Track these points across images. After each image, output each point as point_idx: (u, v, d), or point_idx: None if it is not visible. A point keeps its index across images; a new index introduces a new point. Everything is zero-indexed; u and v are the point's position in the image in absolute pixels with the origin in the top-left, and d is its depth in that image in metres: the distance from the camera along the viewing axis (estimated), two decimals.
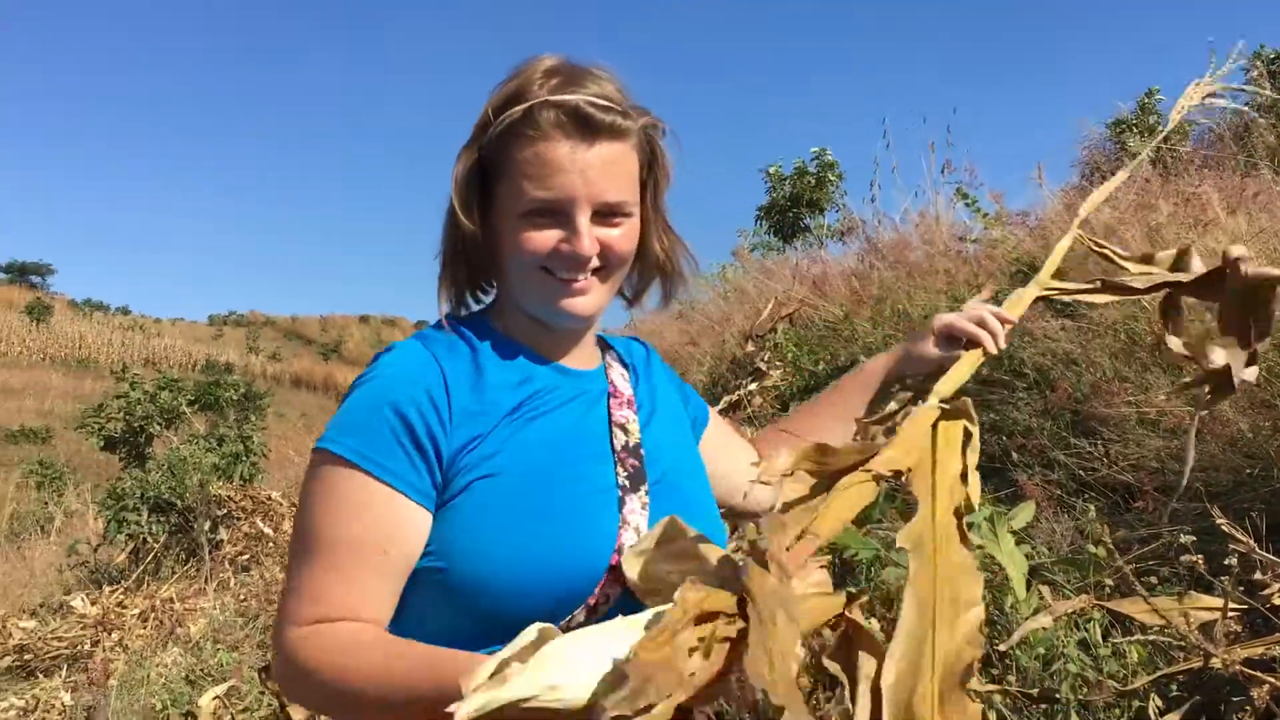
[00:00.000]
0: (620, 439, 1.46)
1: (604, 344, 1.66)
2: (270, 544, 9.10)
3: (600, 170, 1.40)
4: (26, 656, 7.54)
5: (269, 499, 10.14)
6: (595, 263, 1.44)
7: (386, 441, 1.34)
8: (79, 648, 7.33)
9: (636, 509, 1.38)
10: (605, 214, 1.43)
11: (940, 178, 7.73)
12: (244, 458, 11.41)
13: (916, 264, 6.51)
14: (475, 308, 1.59)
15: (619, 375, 1.59)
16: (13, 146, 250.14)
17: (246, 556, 9.08)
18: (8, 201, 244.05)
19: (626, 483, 1.41)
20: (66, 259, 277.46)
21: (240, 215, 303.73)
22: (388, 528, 1.33)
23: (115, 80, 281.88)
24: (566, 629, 1.28)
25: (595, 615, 1.32)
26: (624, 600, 1.33)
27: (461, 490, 1.34)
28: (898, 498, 4.75)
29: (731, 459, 1.72)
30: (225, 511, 9.84)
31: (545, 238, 1.41)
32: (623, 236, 1.45)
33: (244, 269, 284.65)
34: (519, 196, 1.41)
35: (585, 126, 1.40)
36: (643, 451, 1.46)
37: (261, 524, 9.50)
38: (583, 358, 1.56)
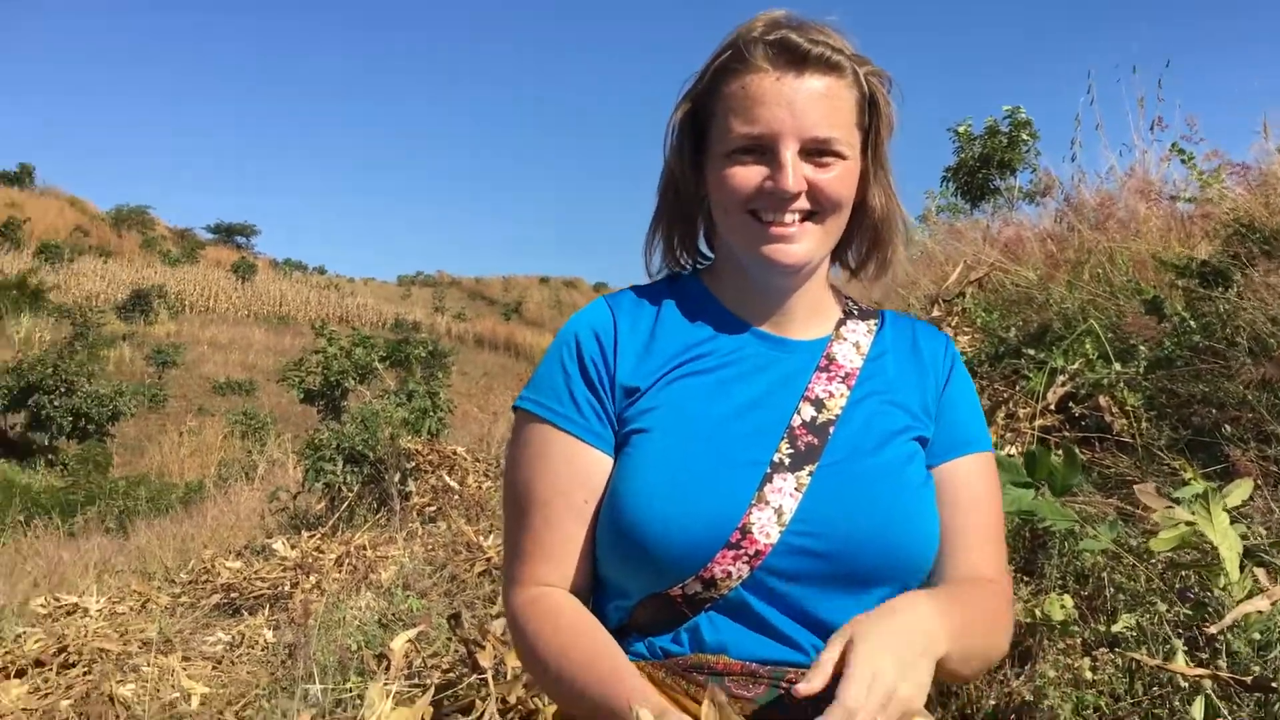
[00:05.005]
0: (806, 414, 1.38)
1: (866, 315, 1.53)
2: (456, 497, 9.37)
3: (809, 102, 1.34)
4: (233, 595, 8.00)
5: (454, 454, 10.42)
6: (804, 204, 1.36)
7: (561, 391, 1.40)
8: (279, 588, 7.71)
9: (787, 489, 1.31)
10: (815, 151, 1.35)
11: (1150, 134, 7.29)
12: (431, 413, 11.75)
13: (1122, 224, 6.18)
14: (701, 265, 1.57)
15: (850, 349, 1.47)
16: (222, 116, 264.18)
17: (433, 508, 9.37)
18: (218, 165, 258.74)
19: (785, 460, 1.33)
20: (269, 221, 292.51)
21: (430, 179, 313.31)
22: (574, 475, 1.38)
23: (310, 52, 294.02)
24: (681, 597, 1.31)
25: (716, 590, 1.30)
26: (751, 582, 1.30)
27: (625, 442, 1.37)
28: (1094, 471, 4.55)
29: (948, 518, 1.43)
30: (413, 464, 10.16)
31: (749, 175, 1.35)
32: (835, 179, 1.36)
33: (432, 231, 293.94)
34: (726, 135, 1.37)
35: (793, 56, 1.34)
36: (832, 430, 1.37)
37: (447, 477, 9.79)
38: (801, 324, 1.47)
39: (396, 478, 9.96)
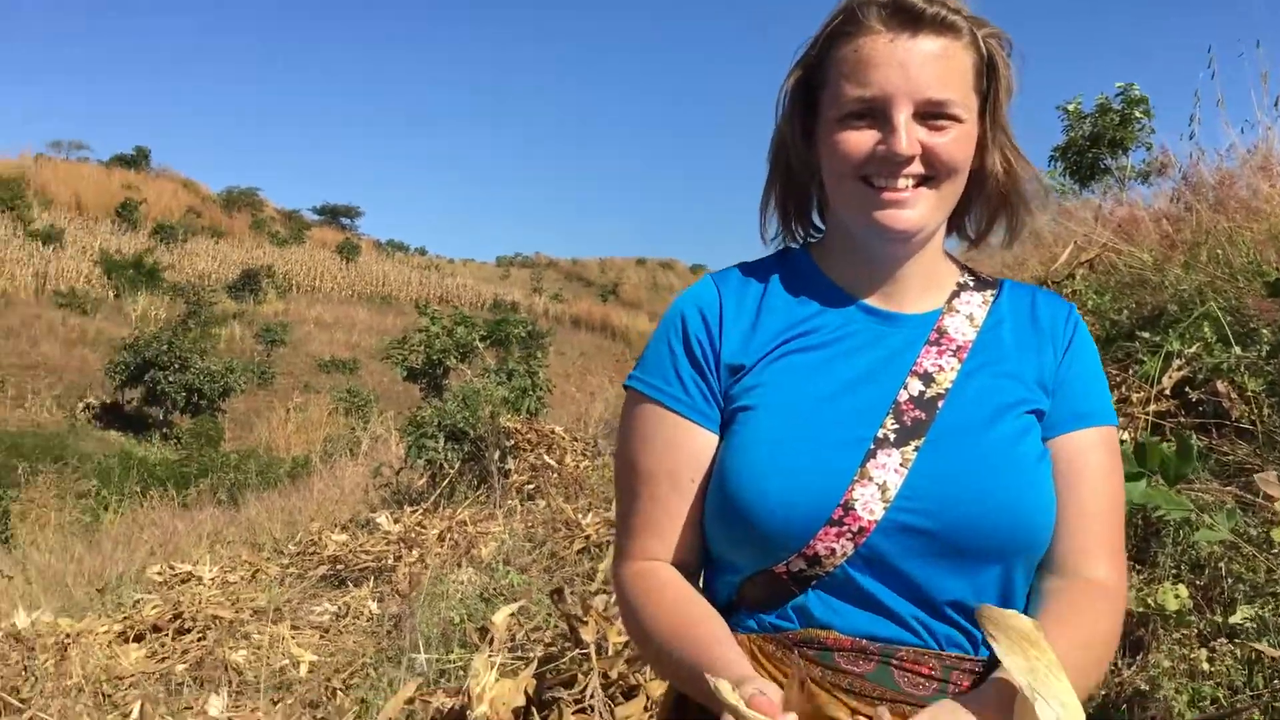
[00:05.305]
0: (914, 389, 1.34)
1: (984, 285, 1.47)
2: (554, 475, 9.47)
3: (923, 64, 1.30)
4: (339, 567, 8.20)
5: (552, 432, 10.51)
6: (918, 168, 1.32)
7: (667, 370, 1.41)
8: (383, 561, 7.88)
9: (891, 465, 1.29)
10: (930, 114, 1.31)
11: (1275, 110, 6.97)
12: (531, 392, 11.85)
13: (1243, 203, 5.94)
14: (813, 239, 1.54)
15: (964, 321, 1.42)
16: (327, 101, 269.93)
17: (532, 486, 9.47)
18: (324, 149, 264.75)
19: (891, 435, 1.30)
20: (373, 203, 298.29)
21: (529, 162, 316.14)
22: (680, 453, 1.39)
23: (412, 43, 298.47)
24: (786, 574, 1.31)
25: (821, 567, 1.29)
26: (856, 559, 1.28)
27: (731, 419, 1.37)
28: (1211, 458, 4.40)
29: (1059, 496, 1.36)
30: (513, 443, 10.27)
31: (861, 140, 1.32)
32: (951, 142, 1.32)
33: (530, 213, 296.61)
34: (837, 99, 1.34)
35: (907, 17, 1.30)
36: (941, 404, 1.33)
37: (546, 456, 9.88)
38: (914, 296, 1.43)
39: (496, 455, 10.09)
